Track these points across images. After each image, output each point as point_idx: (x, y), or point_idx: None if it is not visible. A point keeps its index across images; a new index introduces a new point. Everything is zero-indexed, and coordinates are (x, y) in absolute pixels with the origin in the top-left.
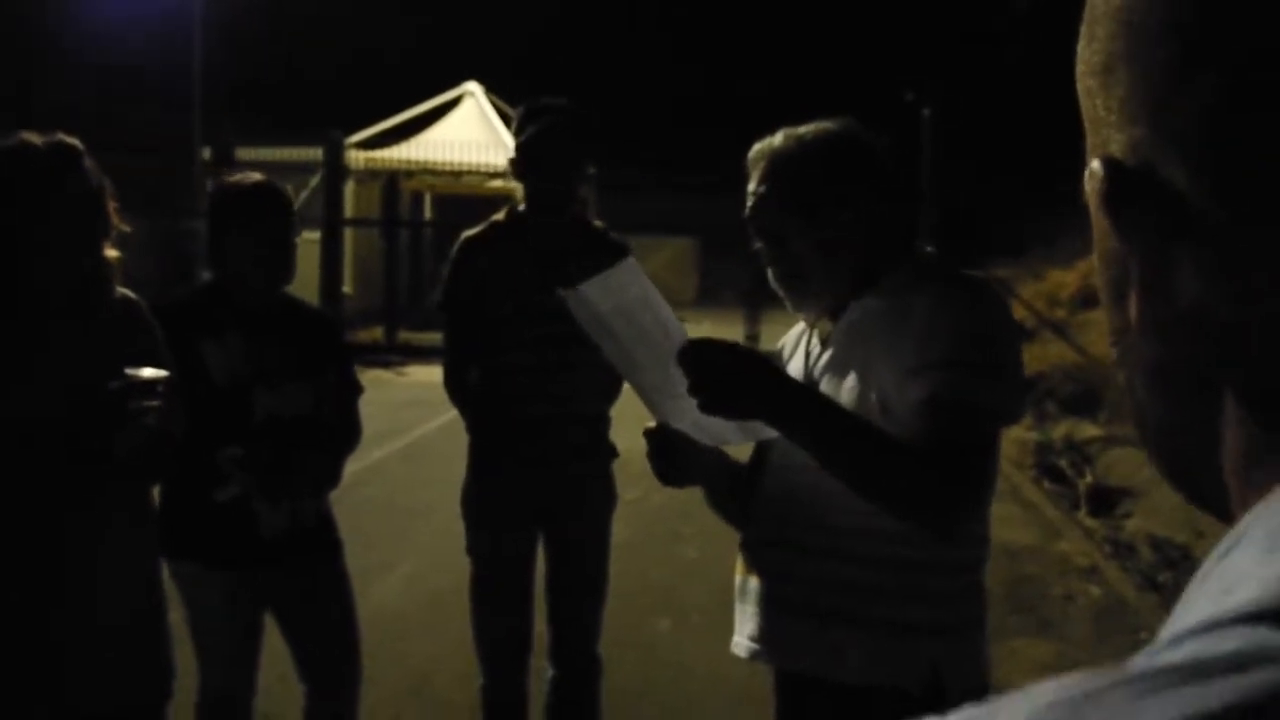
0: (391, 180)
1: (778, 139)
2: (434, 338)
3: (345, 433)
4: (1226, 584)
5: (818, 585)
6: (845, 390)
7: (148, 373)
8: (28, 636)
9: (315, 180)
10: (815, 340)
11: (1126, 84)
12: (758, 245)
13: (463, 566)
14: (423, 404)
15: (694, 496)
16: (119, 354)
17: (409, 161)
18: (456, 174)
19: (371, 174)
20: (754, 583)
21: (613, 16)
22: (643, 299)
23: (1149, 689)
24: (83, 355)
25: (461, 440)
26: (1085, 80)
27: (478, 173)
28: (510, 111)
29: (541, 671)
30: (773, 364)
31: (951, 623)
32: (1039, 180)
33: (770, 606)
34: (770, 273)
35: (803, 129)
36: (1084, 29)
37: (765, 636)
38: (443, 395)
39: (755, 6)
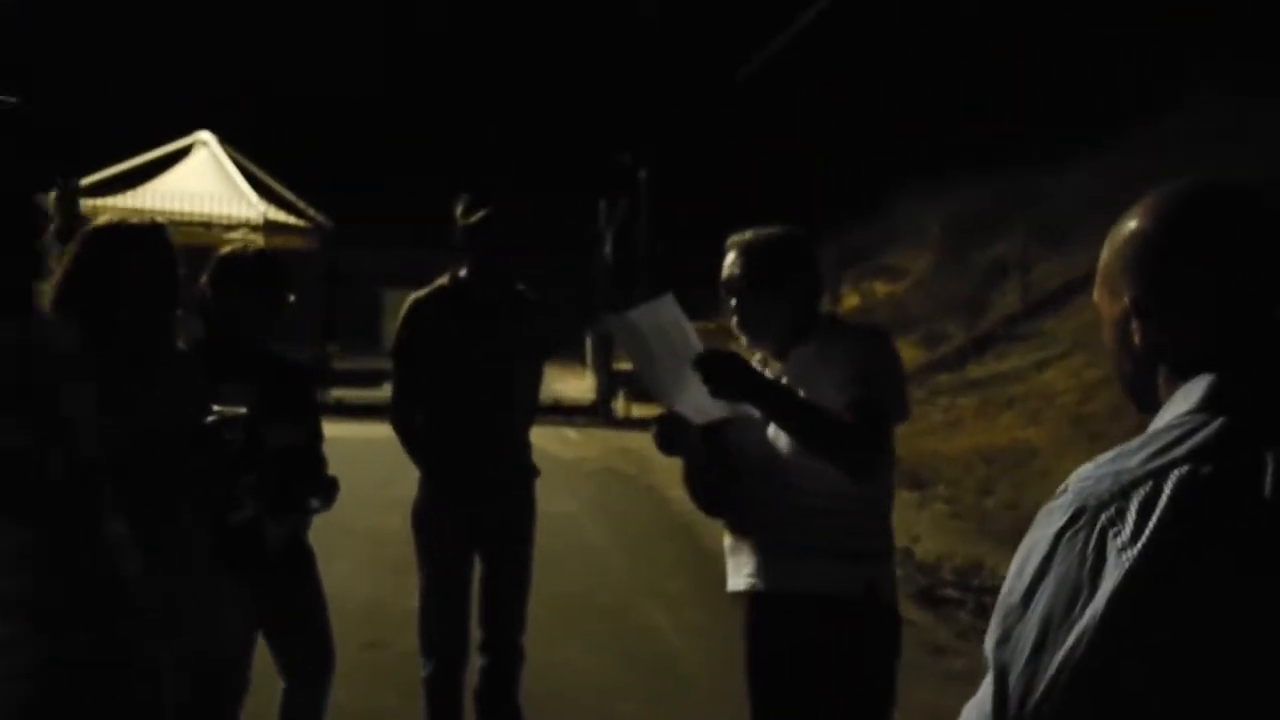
0: None
1: (749, 234)
2: None
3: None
4: (1162, 416)
5: (793, 530)
6: None
7: (232, 410)
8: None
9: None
10: (768, 372)
11: (1122, 280)
12: (730, 302)
13: (363, 598)
14: None
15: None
16: (185, 393)
17: (142, 211)
18: (207, 225)
19: None
20: (738, 541)
21: (331, 75)
22: (675, 321)
23: (1137, 445)
24: (167, 392)
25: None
26: (1106, 271)
27: (217, 224)
28: (247, 164)
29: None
30: (756, 369)
31: (877, 550)
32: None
33: (759, 549)
34: (735, 319)
35: (766, 230)
36: (1107, 257)
37: (758, 570)
38: None
39: (476, 65)
